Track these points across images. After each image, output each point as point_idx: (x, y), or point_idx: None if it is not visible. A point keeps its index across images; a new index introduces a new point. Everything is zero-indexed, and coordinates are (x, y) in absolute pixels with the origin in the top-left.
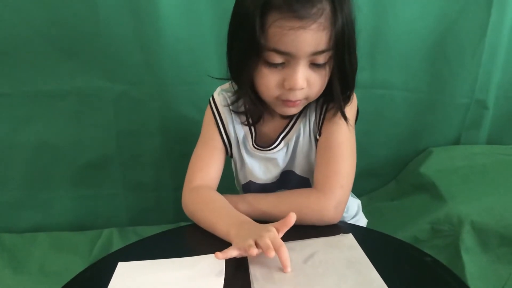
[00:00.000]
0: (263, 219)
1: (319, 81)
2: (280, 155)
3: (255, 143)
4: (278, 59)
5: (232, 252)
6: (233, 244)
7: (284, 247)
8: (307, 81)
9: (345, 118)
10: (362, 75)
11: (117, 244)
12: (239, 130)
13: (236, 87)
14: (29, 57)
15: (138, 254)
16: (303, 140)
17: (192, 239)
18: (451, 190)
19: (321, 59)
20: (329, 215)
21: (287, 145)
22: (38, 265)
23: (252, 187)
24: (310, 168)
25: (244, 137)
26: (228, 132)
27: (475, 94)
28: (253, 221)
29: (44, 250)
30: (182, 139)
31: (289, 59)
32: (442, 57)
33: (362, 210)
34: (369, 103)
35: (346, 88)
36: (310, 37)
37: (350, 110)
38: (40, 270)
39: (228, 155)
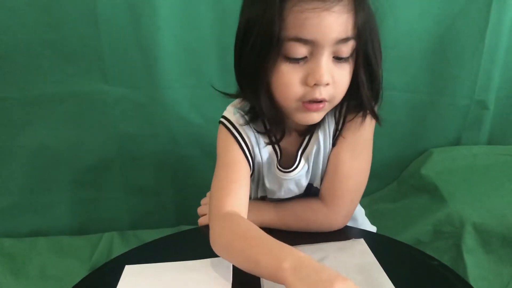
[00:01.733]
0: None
1: (344, 77)
2: (302, 174)
3: (279, 165)
4: (300, 51)
5: None
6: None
7: None
8: (331, 77)
9: (377, 118)
10: None
11: (118, 247)
12: (263, 152)
13: (249, 101)
14: (27, 61)
15: (142, 258)
16: (324, 153)
17: (197, 243)
18: (452, 191)
19: (345, 50)
20: (337, 226)
21: (307, 160)
22: (38, 269)
23: (268, 200)
24: None
25: (269, 159)
26: (252, 153)
27: (475, 95)
28: (312, 259)
29: (44, 255)
30: (182, 142)
31: (312, 50)
32: (442, 58)
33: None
34: None
35: (373, 86)
36: (335, 20)
37: (369, 127)
38: (40, 274)
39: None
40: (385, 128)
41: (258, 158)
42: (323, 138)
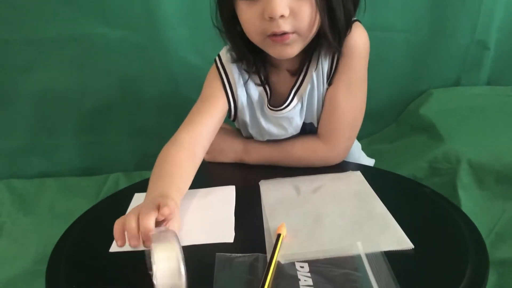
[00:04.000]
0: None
1: (307, 10)
2: (295, 112)
3: (269, 104)
4: None
5: None
6: None
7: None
8: (290, 10)
9: (339, 51)
10: (362, 18)
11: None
12: (253, 91)
13: (228, 41)
14: (29, 4)
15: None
16: (318, 92)
17: (204, 174)
18: (450, 130)
19: None
20: (336, 161)
21: (301, 100)
22: (47, 208)
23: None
24: None
25: (260, 98)
26: (235, 93)
27: (476, 35)
28: (153, 202)
29: (52, 194)
30: (184, 84)
31: None
32: None
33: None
34: (369, 46)
35: (335, 28)
36: None
37: (363, 64)
38: (49, 212)
39: (230, 118)
40: (384, 69)
41: (243, 98)
42: (317, 77)
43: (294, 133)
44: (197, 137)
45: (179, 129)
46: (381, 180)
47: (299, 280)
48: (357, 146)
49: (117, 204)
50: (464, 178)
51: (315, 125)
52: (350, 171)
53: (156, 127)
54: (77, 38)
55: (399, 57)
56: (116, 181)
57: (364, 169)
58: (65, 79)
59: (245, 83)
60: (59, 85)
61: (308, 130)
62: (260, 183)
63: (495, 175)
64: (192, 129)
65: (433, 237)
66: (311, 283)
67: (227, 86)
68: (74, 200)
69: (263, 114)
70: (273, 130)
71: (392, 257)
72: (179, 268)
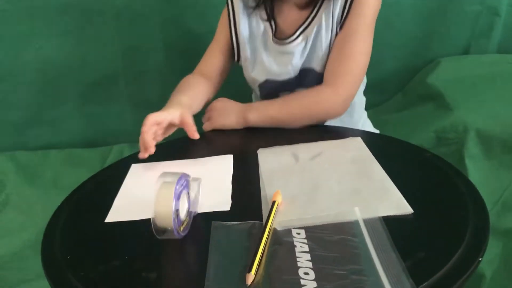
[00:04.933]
0: (274, 126)
1: None
2: (298, 49)
3: (274, 37)
4: None
5: None
6: None
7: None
8: None
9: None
10: None
11: None
12: (258, 26)
13: None
14: None
15: (147, 159)
16: (325, 34)
17: (202, 145)
18: (458, 99)
19: None
20: (337, 110)
21: (306, 40)
22: (52, 179)
23: (269, 86)
24: None
25: (264, 32)
26: (237, 26)
27: (486, 0)
28: (170, 108)
29: (56, 166)
30: (186, 53)
31: None
32: None
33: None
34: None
35: None
36: None
37: (372, 12)
38: (53, 184)
39: (235, 60)
40: (391, 37)
41: (246, 33)
42: (326, 21)
43: (293, 75)
44: (210, 68)
45: (196, 68)
46: (382, 146)
47: (295, 246)
48: (362, 113)
49: (114, 175)
50: (472, 148)
51: (317, 70)
52: (350, 137)
53: (160, 98)
54: (77, 6)
55: (407, 24)
56: (120, 153)
57: (365, 135)
58: (67, 50)
59: (250, 17)
60: (61, 56)
61: (306, 81)
62: (258, 151)
63: (502, 144)
64: (205, 62)
65: (433, 202)
66: (307, 249)
67: (231, 20)
68: (78, 172)
69: (266, 48)
70: (274, 66)
71: (391, 222)
72: (171, 213)
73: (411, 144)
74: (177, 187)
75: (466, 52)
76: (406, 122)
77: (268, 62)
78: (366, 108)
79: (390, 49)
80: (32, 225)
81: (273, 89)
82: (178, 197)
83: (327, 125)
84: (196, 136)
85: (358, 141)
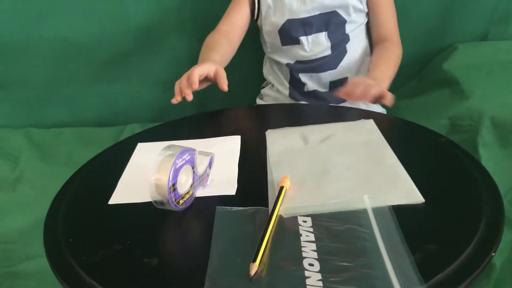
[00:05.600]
0: None
1: None
2: None
3: None
4: None
5: None
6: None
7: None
8: None
9: None
10: None
11: None
12: None
13: None
14: None
15: (157, 137)
16: None
17: (210, 124)
18: (473, 86)
19: None
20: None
21: None
22: (65, 157)
23: (292, 26)
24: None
25: None
26: None
27: None
28: (207, 63)
29: (70, 144)
30: (200, 33)
31: None
32: None
33: None
34: None
35: None
36: None
37: None
38: (67, 161)
39: (254, 19)
40: (408, 22)
41: None
42: None
43: (312, 13)
44: (232, 25)
45: (219, 23)
46: (395, 129)
47: (301, 235)
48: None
49: (119, 155)
50: (486, 136)
51: (341, 14)
52: (362, 119)
53: (173, 79)
54: None
55: (424, 9)
56: (132, 132)
57: (378, 117)
58: (80, 27)
59: None
60: (74, 33)
61: (330, 21)
62: (266, 132)
63: None
64: (227, 20)
65: (446, 191)
66: (313, 239)
67: None
68: (91, 150)
69: None
70: (294, 4)
71: (401, 212)
72: (166, 186)
73: (425, 128)
74: (177, 160)
75: (484, 38)
76: (420, 108)
77: (288, 1)
78: None
79: (406, 34)
80: (45, 200)
81: (294, 30)
82: (177, 171)
83: (337, 106)
84: (225, 88)
85: (371, 123)
